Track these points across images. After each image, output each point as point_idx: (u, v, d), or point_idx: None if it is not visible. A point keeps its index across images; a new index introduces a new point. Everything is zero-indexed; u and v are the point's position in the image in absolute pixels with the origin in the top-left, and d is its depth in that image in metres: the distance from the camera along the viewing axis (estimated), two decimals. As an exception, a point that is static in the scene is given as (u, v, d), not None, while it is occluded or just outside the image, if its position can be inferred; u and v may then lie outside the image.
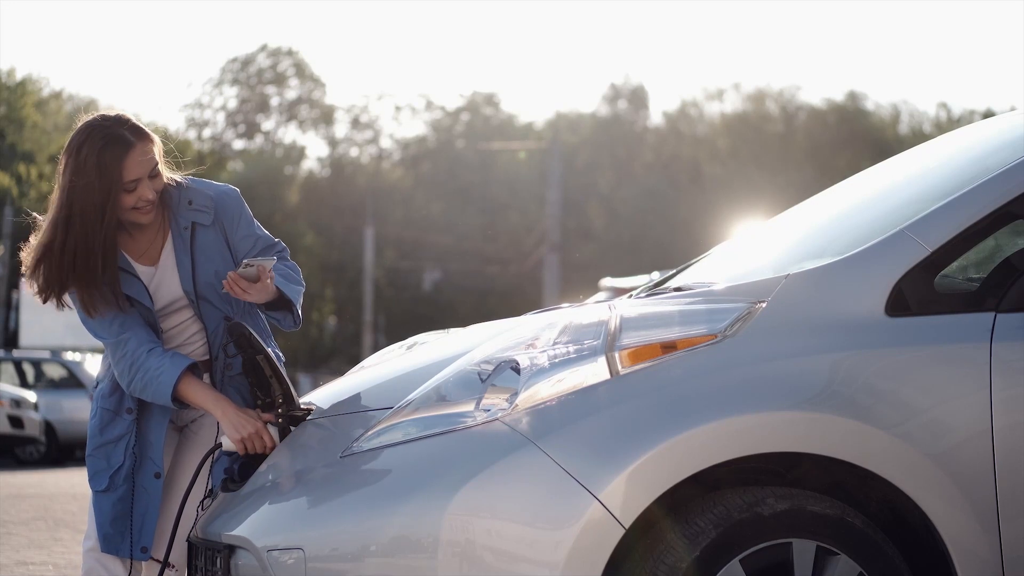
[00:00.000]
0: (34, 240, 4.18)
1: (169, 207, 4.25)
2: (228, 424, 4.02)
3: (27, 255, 4.18)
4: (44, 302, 4.20)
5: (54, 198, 4.15)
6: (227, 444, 4.03)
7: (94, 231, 4.08)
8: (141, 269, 4.25)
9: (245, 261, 4.07)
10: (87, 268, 4.12)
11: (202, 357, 4.31)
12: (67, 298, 4.20)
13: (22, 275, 4.27)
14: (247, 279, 4.05)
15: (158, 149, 4.17)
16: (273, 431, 3.99)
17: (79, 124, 4.14)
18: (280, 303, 4.21)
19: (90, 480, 4.32)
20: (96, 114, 4.16)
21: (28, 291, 4.21)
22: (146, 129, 4.15)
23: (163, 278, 4.26)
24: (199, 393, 4.13)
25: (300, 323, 4.30)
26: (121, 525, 4.27)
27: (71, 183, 4.08)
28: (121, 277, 4.20)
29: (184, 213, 4.24)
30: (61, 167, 4.14)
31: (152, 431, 4.29)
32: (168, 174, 4.26)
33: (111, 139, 4.07)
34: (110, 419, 4.30)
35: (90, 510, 4.35)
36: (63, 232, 4.10)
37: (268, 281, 4.08)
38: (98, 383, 4.39)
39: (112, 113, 4.16)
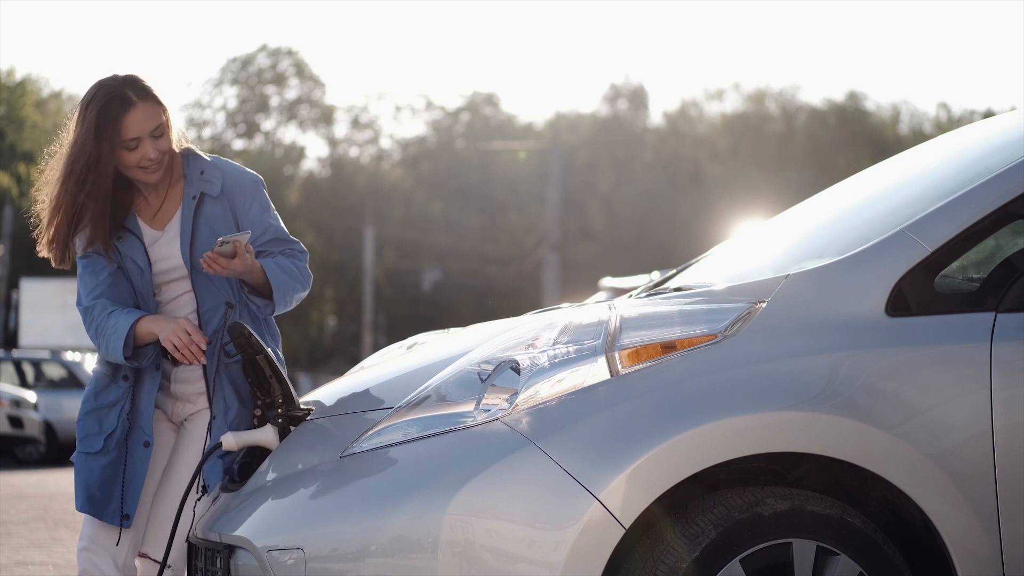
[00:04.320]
0: (43, 195, 4.30)
1: (185, 176, 4.33)
2: (159, 328, 4.15)
3: (39, 211, 4.32)
4: (57, 261, 4.31)
5: (62, 151, 4.27)
6: (227, 443, 4.03)
7: (91, 182, 4.18)
8: (147, 231, 4.33)
9: (220, 239, 4.12)
10: (82, 215, 4.23)
11: None
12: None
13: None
14: (224, 255, 4.10)
15: (166, 112, 4.25)
16: (273, 431, 4.00)
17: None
18: (262, 288, 4.24)
19: (80, 442, 4.33)
20: (111, 74, 4.26)
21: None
22: (154, 91, 4.24)
23: (166, 242, 4.32)
24: (150, 327, 4.20)
25: (275, 311, 4.32)
26: (108, 490, 4.28)
27: (76, 136, 4.22)
28: (125, 237, 4.30)
29: (196, 182, 4.33)
30: (72, 122, 4.28)
31: (143, 400, 4.32)
32: (189, 145, 4.35)
33: (114, 96, 4.19)
34: (106, 384, 4.34)
35: (76, 493, 4.34)
36: (66, 183, 4.22)
37: (248, 256, 4.12)
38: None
39: (124, 73, 4.26)
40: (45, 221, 4.29)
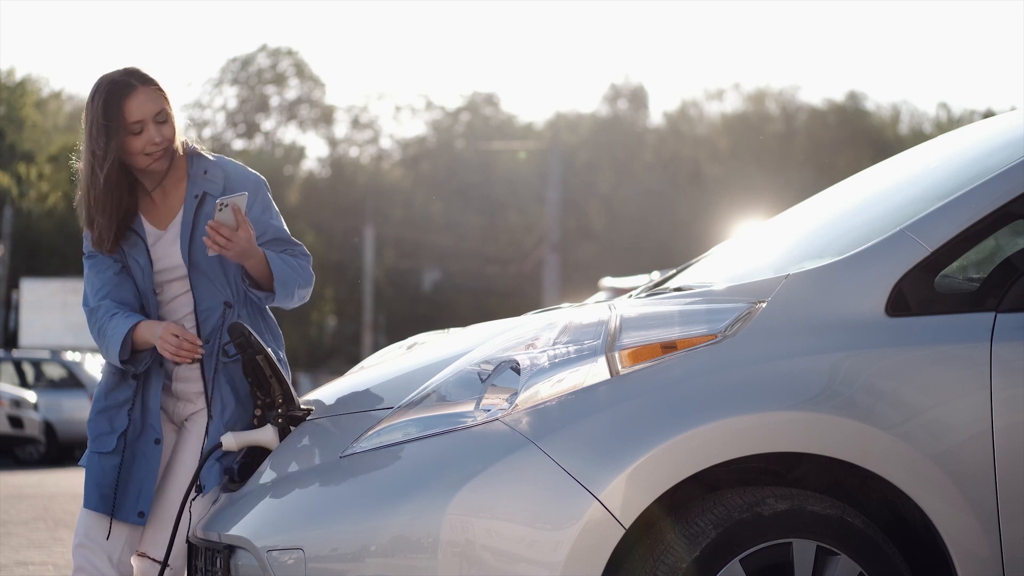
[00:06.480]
0: (80, 191, 4.39)
1: (188, 175, 4.37)
2: (151, 335, 4.18)
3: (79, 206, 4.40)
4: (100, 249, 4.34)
5: (81, 149, 4.36)
6: (227, 444, 4.03)
7: (103, 172, 4.24)
8: (151, 230, 4.36)
9: (218, 201, 4.13)
10: (101, 208, 4.28)
11: None
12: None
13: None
14: (225, 224, 4.09)
15: (169, 102, 4.31)
16: (273, 431, 4.00)
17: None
18: (264, 280, 4.25)
19: (92, 442, 4.34)
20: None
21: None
22: (155, 79, 4.31)
23: (167, 242, 4.35)
24: (144, 335, 4.23)
25: (276, 300, 4.32)
26: (122, 488, 4.29)
27: (87, 131, 4.29)
28: (129, 237, 4.33)
29: (199, 182, 4.36)
30: (83, 121, 4.34)
31: (151, 398, 4.34)
32: (194, 145, 4.40)
33: (115, 84, 4.27)
34: (115, 383, 4.35)
35: (85, 489, 4.34)
36: (89, 176, 4.29)
37: (248, 227, 4.13)
38: None
39: (124, 66, 4.34)
40: (86, 215, 4.34)
